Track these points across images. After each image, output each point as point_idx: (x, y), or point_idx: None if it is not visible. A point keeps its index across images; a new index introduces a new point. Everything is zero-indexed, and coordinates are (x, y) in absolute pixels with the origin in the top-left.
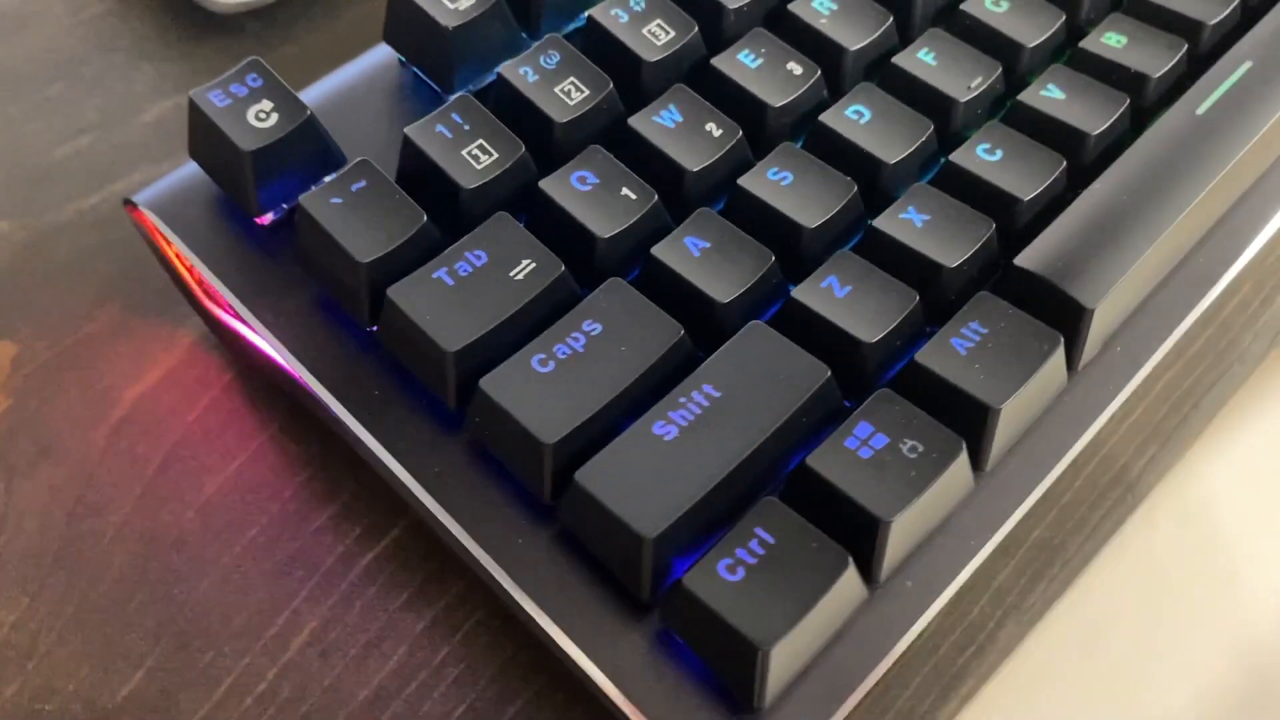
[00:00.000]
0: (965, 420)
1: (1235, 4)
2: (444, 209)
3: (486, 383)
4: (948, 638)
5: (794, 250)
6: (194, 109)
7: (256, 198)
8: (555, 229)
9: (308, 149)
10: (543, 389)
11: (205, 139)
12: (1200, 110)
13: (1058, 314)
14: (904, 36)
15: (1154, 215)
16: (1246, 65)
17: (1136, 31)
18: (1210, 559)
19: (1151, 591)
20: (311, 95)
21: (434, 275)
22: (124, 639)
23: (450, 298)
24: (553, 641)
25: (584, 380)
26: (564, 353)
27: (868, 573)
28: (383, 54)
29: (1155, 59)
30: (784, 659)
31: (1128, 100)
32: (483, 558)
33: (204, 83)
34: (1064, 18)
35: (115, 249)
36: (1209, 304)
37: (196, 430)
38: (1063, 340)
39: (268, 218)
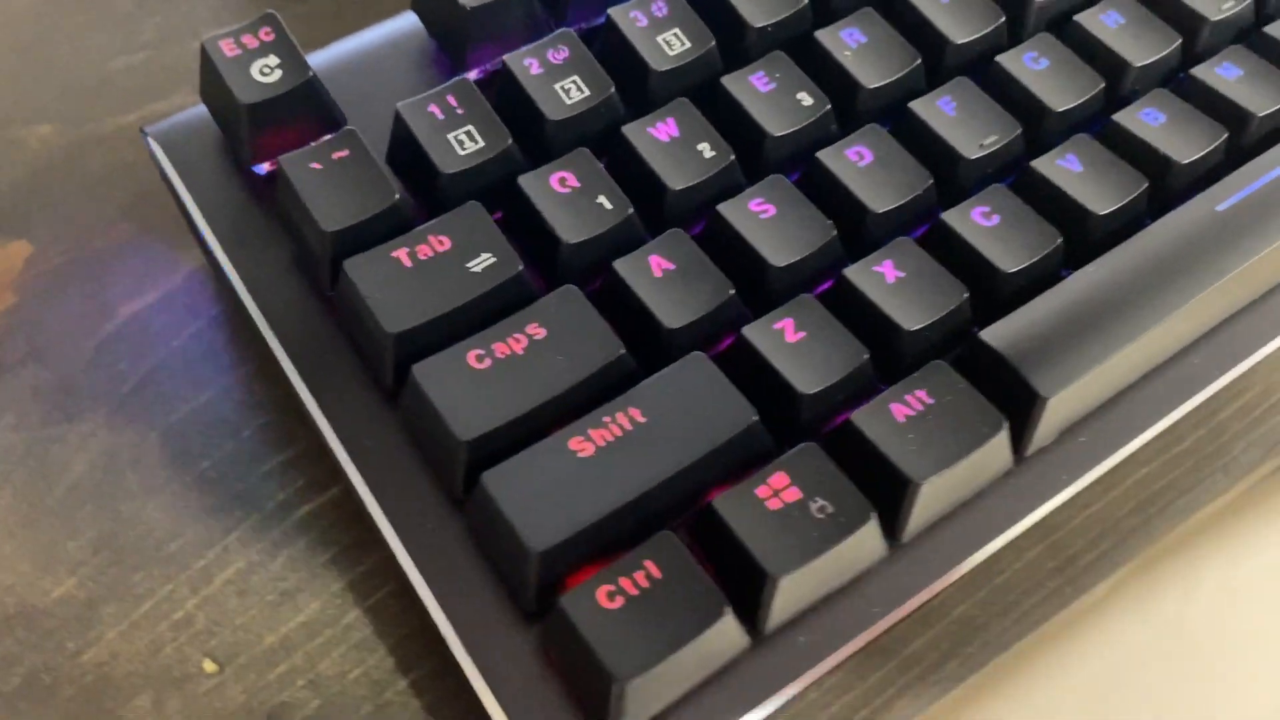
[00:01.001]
0: (887, 488)
1: None
2: (423, 189)
3: (419, 369)
4: (841, 696)
5: (759, 286)
6: (204, 54)
7: (250, 148)
8: (526, 227)
9: (306, 109)
10: (473, 384)
11: (212, 85)
12: (1221, 207)
13: (1012, 396)
14: (931, 80)
15: (1141, 311)
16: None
17: (1177, 111)
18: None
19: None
20: (330, 54)
21: (393, 254)
22: (66, 545)
23: (404, 279)
24: (439, 629)
25: (516, 383)
26: (503, 352)
27: (753, 622)
28: (410, 21)
29: (1189, 145)
30: (643, 694)
31: (1146, 183)
32: (390, 536)
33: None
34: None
35: (142, 170)
36: (1201, 405)
37: (178, 356)
38: (1007, 425)
39: (263, 168)
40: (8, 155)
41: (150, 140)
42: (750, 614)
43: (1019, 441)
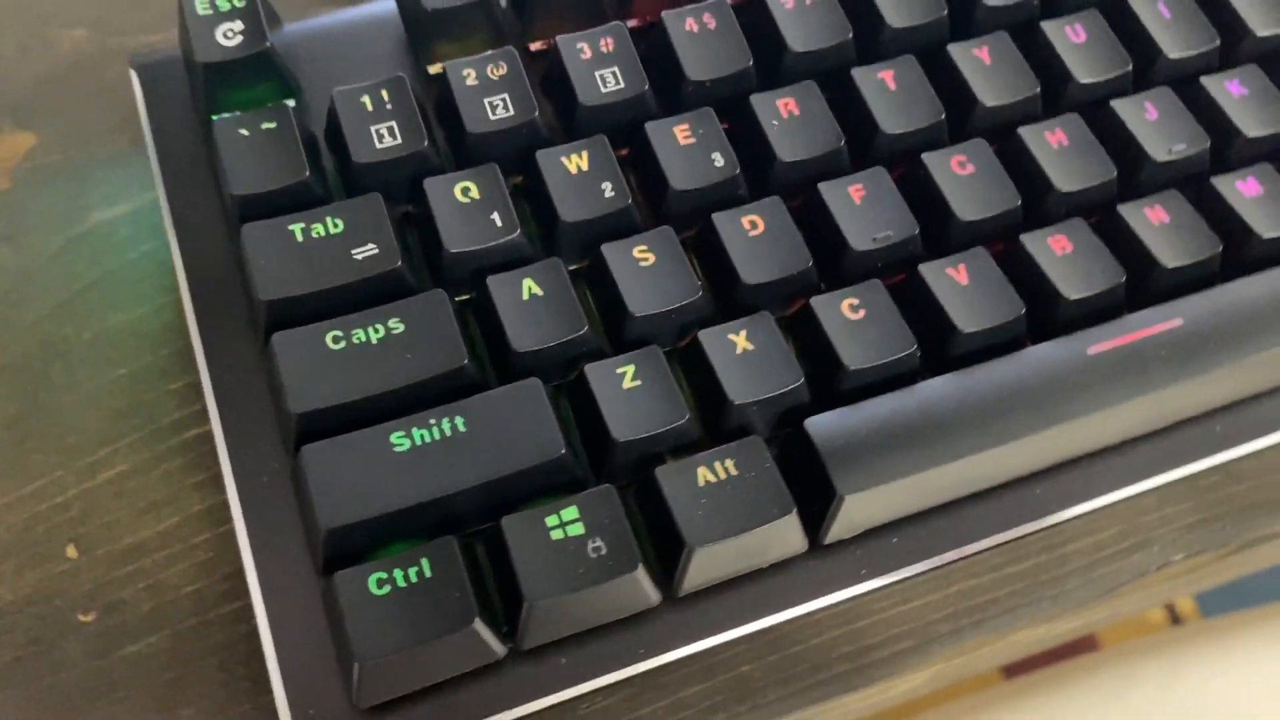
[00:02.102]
0: (667, 544)
1: (1214, 252)
2: (341, 172)
3: (277, 338)
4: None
5: (616, 331)
6: (180, 9)
7: (204, 102)
8: (421, 229)
9: (257, 77)
10: (322, 362)
11: (183, 36)
12: (1093, 350)
13: (816, 485)
14: (857, 162)
15: (973, 435)
16: (1175, 321)
17: (1086, 245)
18: None
19: None
20: (312, 26)
21: (289, 227)
22: None
23: (291, 251)
24: (244, 568)
25: (361, 369)
26: (360, 338)
27: (511, 638)
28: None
29: (1089, 281)
30: (381, 678)
31: (1023, 309)
32: (229, 477)
33: None
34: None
35: None
36: (1051, 532)
37: (129, 269)
38: (796, 511)
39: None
40: (41, 51)
41: (132, 69)
42: (510, 630)
43: (816, 528)
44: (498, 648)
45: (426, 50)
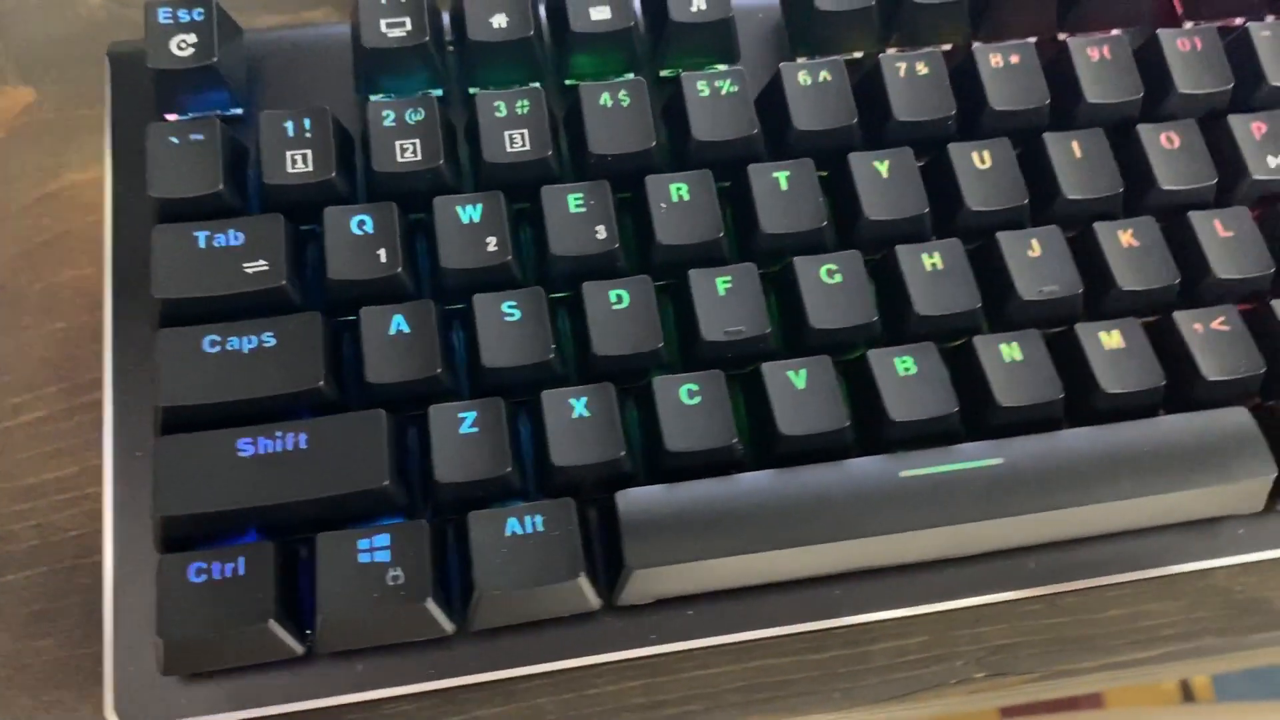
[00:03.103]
0: (463, 583)
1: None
2: (256, 191)
3: (162, 335)
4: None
5: (472, 378)
6: (145, 11)
7: (155, 102)
8: (315, 253)
9: (202, 89)
10: (196, 362)
11: (145, 37)
12: (904, 473)
13: (614, 553)
14: (742, 254)
15: (772, 532)
16: (995, 460)
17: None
18: None
19: None
20: (276, 38)
21: (194, 233)
22: None
23: (192, 257)
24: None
25: (228, 374)
26: (234, 345)
27: (302, 640)
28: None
29: (919, 405)
30: (181, 654)
31: (847, 422)
32: (108, 446)
33: None
34: None
35: None
36: (858, 629)
37: (87, 231)
38: (584, 575)
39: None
40: (61, 12)
41: (108, 56)
42: (301, 634)
43: (611, 591)
44: (296, 646)
45: (359, 82)
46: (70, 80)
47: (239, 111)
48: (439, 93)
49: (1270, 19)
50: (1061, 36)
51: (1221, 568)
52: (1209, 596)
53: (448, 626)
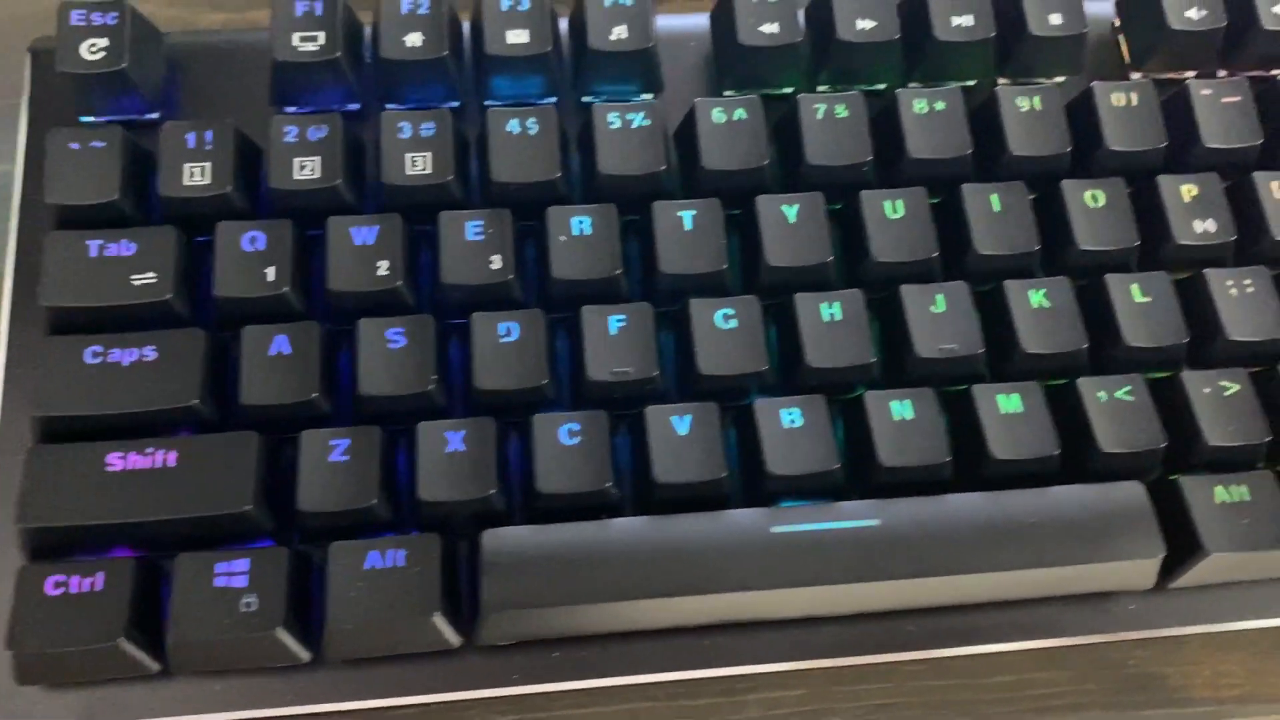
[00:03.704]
0: (318, 614)
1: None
2: (155, 201)
3: (47, 343)
4: None
5: (346, 404)
6: (59, 12)
7: (71, 103)
8: (206, 266)
9: (113, 94)
10: (76, 373)
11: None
12: (775, 529)
13: (475, 593)
14: (642, 290)
15: (635, 580)
16: (871, 521)
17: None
18: None
19: None
20: (201, 40)
21: (86, 242)
22: None
23: (82, 266)
24: None
25: (107, 386)
26: (115, 357)
27: (158, 658)
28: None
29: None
30: (33, 665)
31: (725, 473)
32: None
33: None
34: None
35: None
36: (737, 679)
37: None
38: (439, 611)
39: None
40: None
41: (28, 51)
42: (160, 652)
43: (470, 629)
44: (151, 664)
45: (273, 93)
46: (10, 69)
47: (155, 116)
48: (356, 107)
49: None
50: (1003, 82)
51: (1116, 641)
52: (1100, 669)
53: (303, 655)
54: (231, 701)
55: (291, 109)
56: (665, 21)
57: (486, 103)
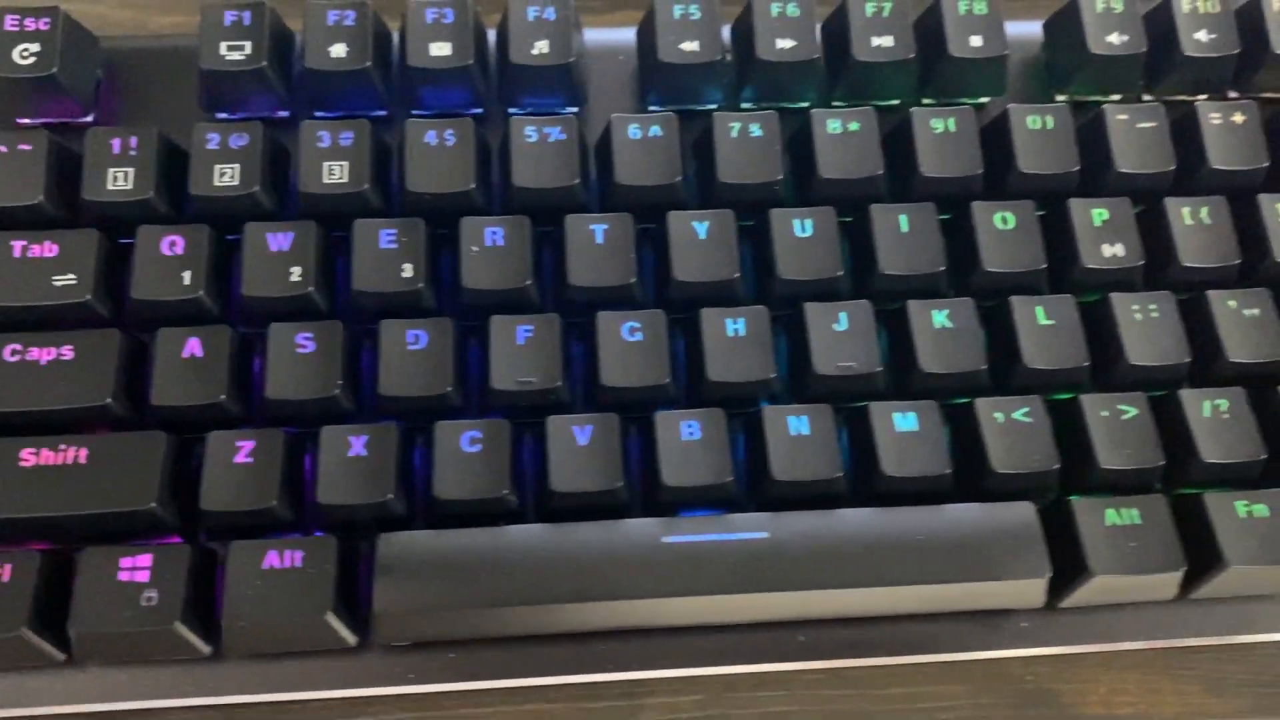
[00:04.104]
0: (217, 610)
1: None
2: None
3: None
4: None
5: (250, 405)
6: None
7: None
8: (125, 266)
9: (42, 97)
10: None
11: None
12: (666, 539)
13: (370, 593)
14: (554, 302)
15: (527, 586)
16: (760, 534)
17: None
18: None
19: None
20: (137, 45)
21: (11, 242)
22: None
23: (4, 267)
24: None
25: (24, 384)
26: (33, 356)
27: (64, 649)
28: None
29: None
30: None
31: (622, 483)
32: None
33: None
34: None
35: None
36: (637, 684)
37: None
38: (332, 611)
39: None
40: None
41: None
42: (66, 642)
43: (364, 630)
44: (56, 654)
45: (203, 99)
46: None
47: (88, 120)
48: (286, 115)
49: None
50: (926, 102)
51: (1015, 657)
52: (997, 683)
53: (204, 649)
54: (134, 692)
55: (223, 115)
56: (595, 35)
57: (415, 113)
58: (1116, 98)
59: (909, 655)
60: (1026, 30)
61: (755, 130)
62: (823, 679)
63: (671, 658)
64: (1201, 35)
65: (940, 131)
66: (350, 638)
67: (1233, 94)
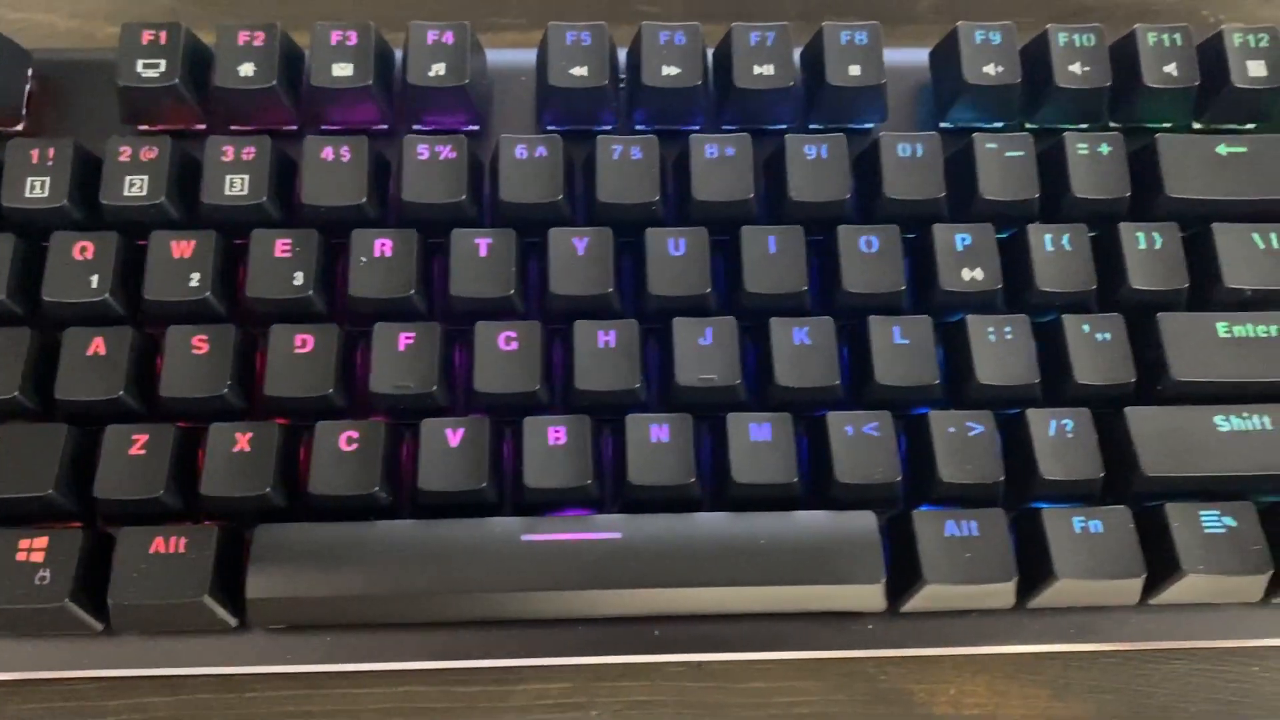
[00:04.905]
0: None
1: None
2: None
3: None
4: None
5: (152, 401)
6: None
7: None
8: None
9: None
10: None
11: None
12: (526, 537)
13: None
14: (440, 311)
15: (393, 577)
16: (614, 535)
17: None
18: None
19: None
20: (61, 57)
21: None
22: None
23: None
24: None
25: None
26: None
27: None
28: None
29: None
30: None
31: (483, 484)
32: None
33: None
34: None
35: None
36: (509, 671)
37: None
38: (208, 594)
39: None
40: None
41: None
42: None
43: (241, 613)
44: None
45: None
46: None
47: (19, 129)
48: (202, 128)
49: None
50: (814, 128)
51: (871, 657)
52: (852, 681)
53: (95, 625)
54: (31, 663)
55: (144, 127)
56: (504, 56)
57: (323, 128)
58: (999, 125)
59: (761, 651)
60: (917, 59)
61: (636, 153)
62: (684, 671)
63: (539, 647)
64: (1075, 68)
65: (813, 158)
66: (230, 619)
67: (1115, 125)
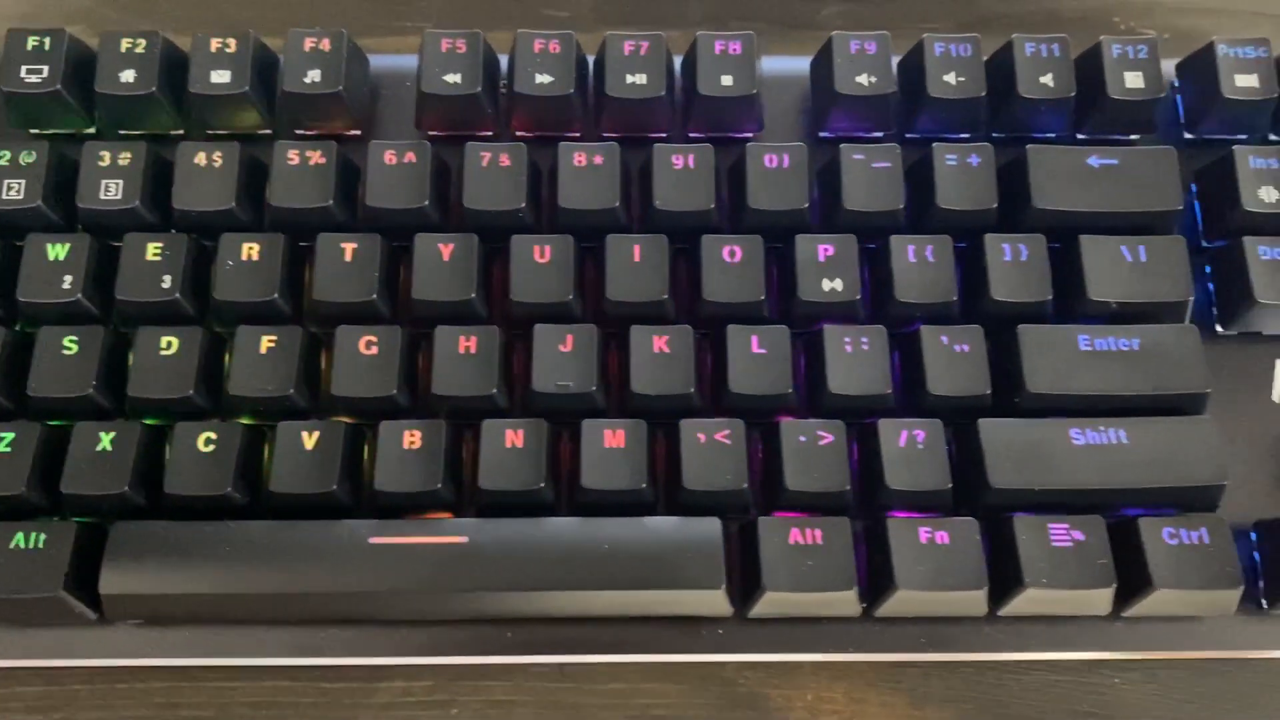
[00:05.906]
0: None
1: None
2: None
3: None
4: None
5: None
6: None
7: None
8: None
9: None
10: None
11: None
12: (373, 540)
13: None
14: (308, 315)
15: (242, 575)
16: (460, 538)
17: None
18: None
19: None
20: None
21: None
22: None
23: None
24: None
25: None
26: None
27: None
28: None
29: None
30: None
31: (334, 488)
32: None
33: None
34: None
35: None
36: (371, 666)
37: None
38: (63, 588)
39: None
40: None
41: None
42: None
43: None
44: None
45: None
46: None
47: None
48: (92, 132)
49: None
50: (694, 136)
51: (731, 661)
52: (711, 685)
53: (91, 615)
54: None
55: (34, 130)
56: (383, 61)
57: (209, 133)
58: (879, 135)
59: (616, 654)
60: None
61: (507, 161)
62: (545, 672)
63: (400, 647)
64: (950, 78)
65: (680, 168)
66: (89, 613)
67: (998, 136)
